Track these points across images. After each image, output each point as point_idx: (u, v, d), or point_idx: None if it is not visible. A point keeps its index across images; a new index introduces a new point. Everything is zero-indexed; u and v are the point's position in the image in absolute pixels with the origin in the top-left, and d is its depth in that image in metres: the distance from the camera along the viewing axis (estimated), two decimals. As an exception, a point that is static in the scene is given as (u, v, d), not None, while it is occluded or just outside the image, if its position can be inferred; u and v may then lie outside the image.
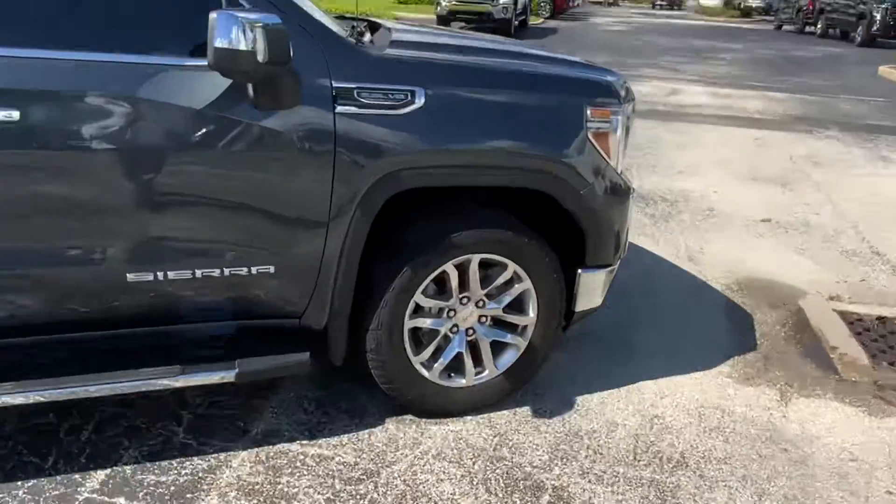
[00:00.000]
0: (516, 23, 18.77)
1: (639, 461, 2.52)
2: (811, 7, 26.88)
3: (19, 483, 2.19)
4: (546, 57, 2.90)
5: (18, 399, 2.06)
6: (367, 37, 2.71)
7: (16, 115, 1.89)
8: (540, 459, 2.49)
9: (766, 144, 7.95)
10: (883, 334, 3.64)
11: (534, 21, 23.23)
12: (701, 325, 3.64)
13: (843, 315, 3.81)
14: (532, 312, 2.66)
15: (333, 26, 2.33)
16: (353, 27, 2.75)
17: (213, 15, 1.89)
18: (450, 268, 2.49)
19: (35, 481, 2.20)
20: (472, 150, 2.40)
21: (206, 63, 2.02)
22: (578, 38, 19.45)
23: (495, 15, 17.82)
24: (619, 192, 2.71)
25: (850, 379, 3.19)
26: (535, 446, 2.56)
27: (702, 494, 2.37)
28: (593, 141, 2.55)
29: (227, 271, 2.23)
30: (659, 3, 53.23)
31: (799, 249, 4.79)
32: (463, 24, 17.70)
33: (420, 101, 2.28)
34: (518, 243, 2.53)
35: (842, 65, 17.10)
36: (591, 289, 2.74)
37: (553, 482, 2.37)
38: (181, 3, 2.15)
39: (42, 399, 2.09)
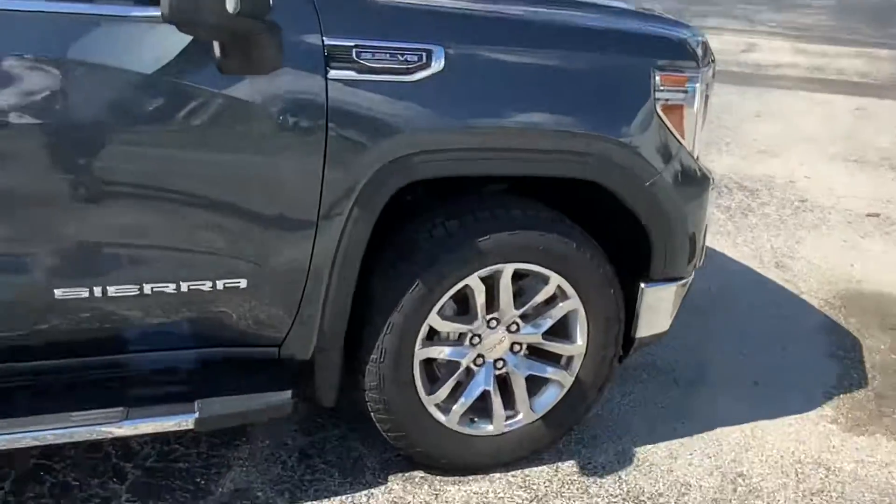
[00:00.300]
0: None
1: (720, 537, 2.36)
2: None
3: None
4: (599, 5, 2.76)
5: None
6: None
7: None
8: (591, 535, 2.30)
9: (871, 116, 7.64)
10: None
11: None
12: (795, 353, 3.34)
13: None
14: (580, 339, 2.42)
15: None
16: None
17: (173, -46, 1.77)
18: (474, 281, 2.25)
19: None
20: (505, 128, 2.18)
21: (158, 14, 1.93)
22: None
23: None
24: (696, 184, 2.46)
25: None
26: (584, 514, 2.33)
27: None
28: (663, 116, 2.35)
29: (183, 286, 2.04)
30: None
31: (920, 253, 4.57)
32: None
33: (438, 64, 2.08)
34: (564, 250, 2.29)
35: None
36: (658, 309, 2.52)
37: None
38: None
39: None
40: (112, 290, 2.01)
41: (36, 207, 1.92)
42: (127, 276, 2.00)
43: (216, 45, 1.89)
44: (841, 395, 3.11)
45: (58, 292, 1.97)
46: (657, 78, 2.32)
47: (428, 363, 2.38)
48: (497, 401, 2.46)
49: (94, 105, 1.90)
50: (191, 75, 1.92)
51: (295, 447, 2.61)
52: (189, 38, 1.86)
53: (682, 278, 2.55)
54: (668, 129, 2.34)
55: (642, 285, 2.48)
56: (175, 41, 1.88)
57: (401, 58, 2.06)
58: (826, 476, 2.64)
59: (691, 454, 2.70)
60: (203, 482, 2.43)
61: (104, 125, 1.90)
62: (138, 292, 2.02)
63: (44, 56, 1.84)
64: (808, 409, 3.01)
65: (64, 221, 1.95)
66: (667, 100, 2.35)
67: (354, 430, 2.66)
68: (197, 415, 2.10)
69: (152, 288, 2.04)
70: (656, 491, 2.52)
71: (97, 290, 2.00)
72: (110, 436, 2.09)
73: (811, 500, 2.52)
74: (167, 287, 2.03)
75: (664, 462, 2.64)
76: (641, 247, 2.44)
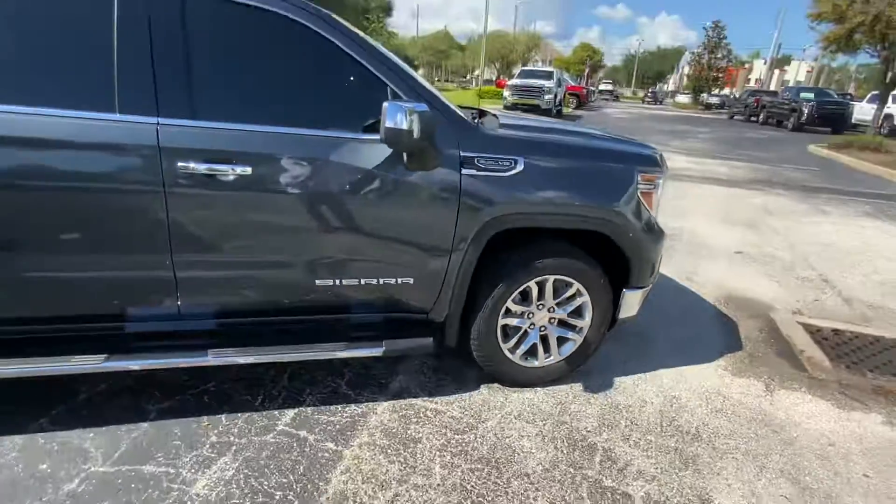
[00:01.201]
0: (554, 111, 18.14)
1: (665, 432, 2.17)
2: (756, 103, 24.90)
3: (238, 415, 2.07)
4: (605, 136, 2.57)
5: (241, 360, 1.94)
6: (479, 121, 2.47)
7: (249, 170, 1.76)
8: (592, 425, 2.18)
9: (736, 198, 7.22)
10: (839, 343, 3.11)
11: (565, 110, 22.43)
12: (699, 327, 3.17)
13: (806, 326, 3.28)
14: (588, 318, 2.35)
15: (461, 113, 2.10)
16: (472, 114, 2.52)
17: (385, 104, 1.70)
18: (532, 284, 2.22)
19: (249, 414, 2.08)
20: (555, 202, 2.10)
21: (376, 137, 1.85)
22: (597, 122, 18.54)
23: (542, 106, 17.25)
24: (656, 234, 2.35)
25: (817, 377, 2.71)
26: (587, 415, 2.25)
27: (715, 463, 2.01)
28: (641, 198, 2.22)
29: (381, 280, 2.04)
30: (647, 99, 50.22)
31: (766, 275, 4.21)
32: (520, 110, 17.19)
33: (520, 167, 2.02)
34: (583, 269, 2.23)
35: (781, 144, 15.55)
36: (632, 303, 2.40)
37: (602, 444, 2.07)
38: (360, 98, 1.97)
39: (256, 360, 1.96)
40: (344, 281, 2.02)
41: (310, 237, 1.97)
42: (352, 274, 2.05)
43: (405, 154, 1.78)
44: (728, 354, 2.92)
45: (317, 282, 1.92)
46: (639, 177, 2.22)
47: (504, 327, 2.33)
48: (540, 348, 2.42)
49: (343, 183, 1.92)
50: (391, 170, 1.94)
51: (431, 366, 2.59)
52: (391, 150, 1.87)
53: (646, 286, 2.42)
54: (643, 205, 2.17)
55: (624, 290, 2.39)
56: (384, 151, 1.88)
57: (500, 163, 2.05)
58: (724, 401, 2.52)
59: (646, 384, 2.61)
60: (383, 382, 2.45)
61: (346, 194, 1.93)
62: (357, 283, 2.03)
63: (321, 157, 1.87)
64: (709, 361, 2.85)
65: (324, 246, 2.00)
66: (644, 189, 2.27)
67: (462, 360, 2.55)
68: (384, 348, 2.13)
69: (365, 281, 2.05)
70: (628, 403, 2.43)
71: (337, 281, 2.03)
72: (339, 357, 2.02)
73: (716, 414, 2.40)
74: (372, 280, 2.03)
75: (630, 388, 2.56)
76: (623, 267, 2.34)
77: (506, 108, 17.67)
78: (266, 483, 1.73)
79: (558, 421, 2.19)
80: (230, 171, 1.74)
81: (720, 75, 43.73)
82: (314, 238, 1.91)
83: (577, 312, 2.36)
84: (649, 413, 2.30)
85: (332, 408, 2.16)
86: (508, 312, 2.26)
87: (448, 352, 2.53)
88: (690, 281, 3.95)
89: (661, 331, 3.10)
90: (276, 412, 2.10)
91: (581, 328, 2.38)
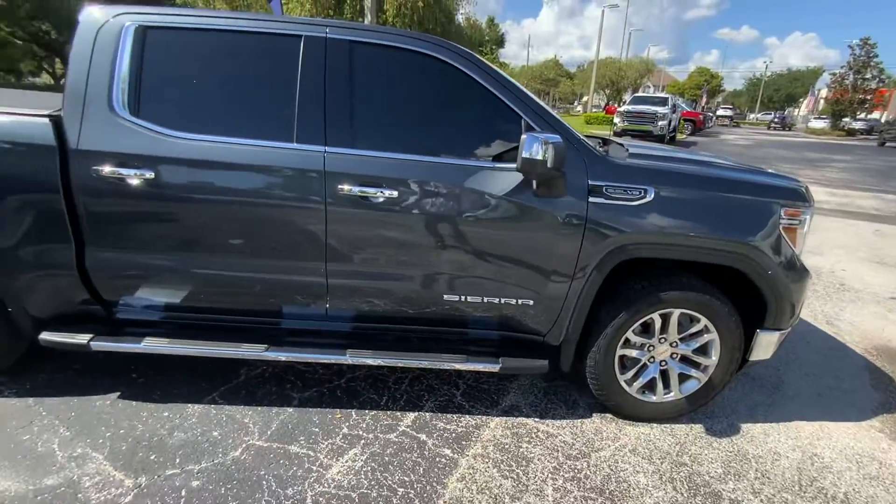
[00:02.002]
0: (667, 137, 17.08)
1: (805, 493, 1.95)
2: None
3: (366, 411, 2.27)
4: (743, 167, 2.42)
5: (372, 361, 2.13)
6: (605, 149, 2.48)
7: (395, 193, 1.96)
8: (715, 472, 2.04)
9: (886, 235, 6.23)
10: None
11: (679, 136, 20.99)
12: (846, 380, 2.81)
13: None
14: (714, 357, 2.21)
15: (589, 143, 2.14)
16: (597, 142, 2.54)
17: (523, 136, 1.80)
18: (655, 316, 2.16)
19: (375, 412, 2.27)
20: (685, 233, 2.03)
21: (508, 166, 1.96)
22: (713, 149, 17.11)
23: (654, 132, 16.35)
24: (800, 274, 2.15)
25: None
26: (710, 459, 2.11)
27: (868, 537, 1.77)
28: (783, 234, 2.06)
29: (502, 300, 2.12)
30: (774, 124, 44.60)
31: (934, 326, 3.58)
32: (630, 136, 16.45)
33: (650, 197, 2.00)
34: (713, 305, 2.11)
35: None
36: (766, 345, 2.21)
37: (729, 494, 1.92)
38: (495, 129, 2.09)
39: (386, 363, 2.14)
40: (469, 298, 2.09)
41: (443, 257, 2.08)
42: (477, 292, 2.16)
43: (534, 182, 1.86)
44: (884, 414, 2.58)
45: (445, 296, 2.05)
46: (781, 211, 2.09)
47: (622, 357, 2.28)
48: (660, 383, 2.33)
49: (477, 208, 2.02)
50: (521, 196, 2.01)
51: (542, 387, 2.62)
52: (521, 178, 1.97)
53: (784, 329, 2.21)
54: (786, 241, 1.99)
55: (758, 330, 2.21)
56: (514, 179, 1.99)
57: (629, 192, 2.02)
58: (879, 467, 2.22)
59: (779, 434, 2.37)
60: (495, 397, 2.51)
61: (476, 217, 2.02)
62: (480, 300, 2.10)
63: (447, 184, 2.01)
64: (859, 420, 2.53)
65: (455, 265, 2.11)
66: (787, 224, 2.10)
67: (575, 385, 2.58)
68: (500, 365, 2.18)
69: (487, 299, 2.14)
70: (757, 454, 2.23)
71: (462, 297, 2.13)
72: (458, 369, 2.08)
73: (871, 483, 2.12)
74: (494, 299, 2.12)
75: (760, 436, 2.34)
76: (759, 306, 2.18)
77: (615, 134, 17.03)
78: (390, 478, 1.89)
79: (677, 461, 2.08)
80: (379, 194, 1.95)
81: (868, 97, 37.83)
82: (446, 256, 2.05)
83: (703, 350, 2.23)
84: (784, 468, 2.08)
85: (448, 416, 2.27)
86: (627, 343, 2.21)
87: (560, 375, 2.53)
88: (832, 326, 3.50)
89: (797, 378, 2.79)
90: (398, 413, 2.26)
91: (706, 366, 2.24)
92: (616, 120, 17.58)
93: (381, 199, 1.96)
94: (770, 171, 2.39)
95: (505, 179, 1.98)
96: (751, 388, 2.66)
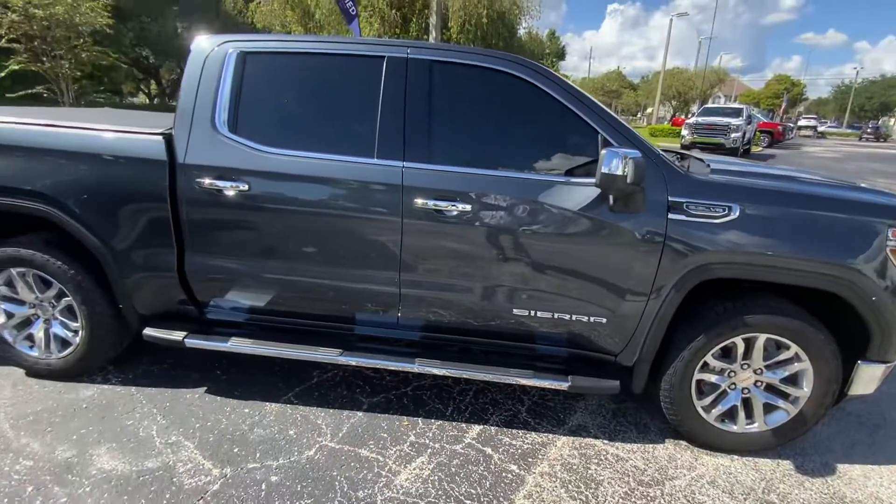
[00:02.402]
0: (741, 150, 16.05)
1: (915, 547, 1.75)
2: None
3: (432, 420, 2.30)
4: (843, 184, 2.23)
5: (439, 371, 2.16)
6: (685, 165, 2.38)
7: (468, 207, 1.99)
8: (807, 514, 1.87)
9: None
10: None
11: (754, 149, 19.63)
12: None
13: None
14: (806, 388, 2.04)
15: (669, 158, 2.07)
16: (675, 157, 2.45)
17: (603, 151, 1.78)
18: (738, 340, 2.03)
19: (441, 422, 2.29)
20: (774, 253, 1.89)
21: (582, 180, 1.95)
22: (795, 162, 15.82)
23: (727, 145, 15.42)
24: None
25: None
26: (801, 500, 1.93)
27: None
28: (891, 256, 1.88)
29: (573, 317, 2.08)
30: (866, 135, 39.96)
31: None
32: (699, 149, 15.60)
33: (735, 214, 1.90)
34: (805, 331, 1.96)
35: None
36: (868, 379, 2.01)
37: (824, 540, 1.75)
38: (570, 144, 2.09)
39: (453, 374, 2.15)
40: (539, 313, 2.08)
41: (515, 271, 2.07)
42: (547, 308, 2.15)
43: (611, 197, 1.82)
44: None
45: (515, 310, 2.04)
46: (889, 232, 1.91)
47: (699, 382, 2.16)
48: (741, 413, 2.18)
49: (550, 223, 2.00)
50: (596, 212, 1.98)
51: (610, 408, 2.53)
52: (597, 193, 1.94)
53: (890, 361, 1.99)
54: (894, 264, 1.77)
55: (859, 362, 2.01)
56: (589, 194, 1.97)
57: (712, 209, 1.94)
58: None
59: (881, 478, 2.14)
60: (561, 415, 2.46)
61: (549, 232, 2.00)
62: (550, 316, 2.06)
63: (521, 198, 2.00)
64: None
65: (526, 280, 2.10)
66: (895, 246, 1.79)
67: (646, 408, 2.49)
68: (569, 383, 2.14)
69: (558, 315, 2.11)
70: (856, 497, 2.03)
71: (532, 312, 2.10)
72: (526, 385, 2.06)
73: None
74: (565, 316, 2.08)
75: (859, 480, 2.11)
76: (861, 334, 2.00)
77: (683, 147, 16.24)
78: (457, 490, 1.89)
79: (763, 500, 1.92)
80: (453, 208, 1.99)
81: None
82: (517, 270, 2.04)
83: (793, 380, 2.07)
84: (890, 517, 1.87)
85: (514, 431, 2.25)
86: (706, 367, 2.09)
87: (630, 397, 2.43)
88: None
89: (901, 417, 2.51)
90: (463, 425, 2.27)
91: (796, 398, 2.07)
92: (684, 132, 16.81)
93: (454, 213, 2.00)
94: (873, 187, 2.19)
95: (580, 194, 1.96)
96: (847, 424, 2.42)
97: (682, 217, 1.92)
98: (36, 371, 2.44)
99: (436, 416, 2.32)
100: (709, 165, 2.31)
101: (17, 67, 9.40)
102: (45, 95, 9.74)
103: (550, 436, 2.23)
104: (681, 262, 1.93)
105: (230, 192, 2.08)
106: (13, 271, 2.29)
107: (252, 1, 17.89)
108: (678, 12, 33.93)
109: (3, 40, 9.27)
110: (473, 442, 2.16)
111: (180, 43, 20.48)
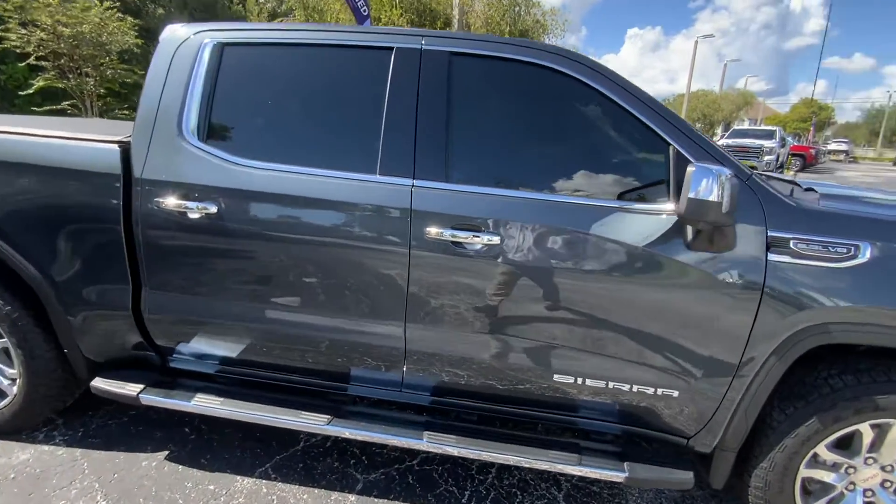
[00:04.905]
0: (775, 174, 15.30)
1: None
2: None
3: (443, 509, 1.77)
4: None
5: (454, 451, 1.65)
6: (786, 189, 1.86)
7: (497, 240, 1.51)
8: None
9: None
10: None
11: (786, 174, 18.74)
12: None
13: None
14: (961, 496, 1.47)
15: (763, 178, 1.56)
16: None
17: (690, 169, 1.29)
18: (865, 427, 1.47)
19: (455, 513, 1.77)
20: None
21: (652, 207, 1.45)
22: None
23: (759, 168, 14.87)
24: None
25: None
26: None
27: None
28: None
29: (635, 388, 1.56)
30: None
31: None
32: (731, 174, 14.84)
33: (865, 256, 1.37)
34: (965, 421, 1.40)
35: None
36: None
37: None
38: (631, 160, 1.61)
39: (471, 455, 1.65)
40: (588, 382, 1.52)
41: (555, 323, 1.58)
42: (599, 375, 1.59)
43: (689, 229, 1.30)
44: None
45: (556, 377, 1.53)
46: None
47: (805, 480, 1.60)
48: None
49: (601, 261, 1.51)
50: (667, 249, 1.48)
51: (671, 498, 1.89)
52: (671, 223, 1.46)
53: None
54: None
55: None
56: (658, 225, 1.49)
57: (831, 249, 1.40)
58: None
59: None
60: None
61: (603, 275, 1.51)
62: (604, 385, 1.52)
63: (566, 230, 1.53)
64: None
65: (571, 334, 1.60)
66: None
67: (720, 497, 1.92)
68: (626, 474, 1.61)
69: (613, 384, 1.53)
70: None
71: (579, 380, 1.53)
72: (568, 472, 1.54)
73: None
74: (623, 386, 1.55)
75: None
76: None
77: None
78: None
79: None
80: (476, 240, 1.51)
81: None
82: (561, 325, 1.55)
83: (941, 483, 1.50)
84: None
85: (550, 529, 1.71)
86: (816, 461, 1.54)
87: (700, 485, 1.88)
88: None
89: None
90: (483, 518, 1.75)
91: (945, 509, 1.50)
92: None
93: (478, 247, 1.52)
94: None
95: (648, 225, 1.46)
96: None
97: (788, 259, 1.40)
98: (-35, 426, 2.00)
99: (449, 502, 1.80)
100: (815, 190, 1.79)
101: (43, 84, 9.40)
102: (69, 112, 9.73)
103: (598, 539, 1.69)
104: (786, 320, 1.40)
105: (196, 216, 1.64)
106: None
107: (277, 18, 17.99)
108: (703, 34, 33.38)
109: (32, 57, 9.33)
110: (498, 547, 1.63)
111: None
